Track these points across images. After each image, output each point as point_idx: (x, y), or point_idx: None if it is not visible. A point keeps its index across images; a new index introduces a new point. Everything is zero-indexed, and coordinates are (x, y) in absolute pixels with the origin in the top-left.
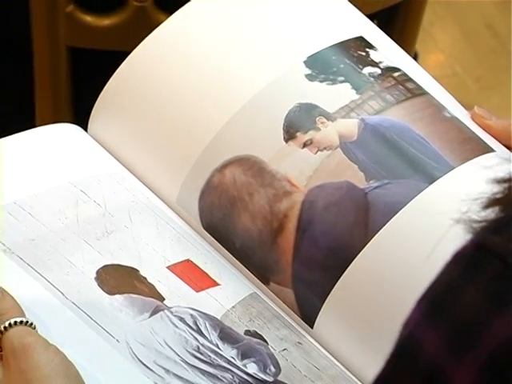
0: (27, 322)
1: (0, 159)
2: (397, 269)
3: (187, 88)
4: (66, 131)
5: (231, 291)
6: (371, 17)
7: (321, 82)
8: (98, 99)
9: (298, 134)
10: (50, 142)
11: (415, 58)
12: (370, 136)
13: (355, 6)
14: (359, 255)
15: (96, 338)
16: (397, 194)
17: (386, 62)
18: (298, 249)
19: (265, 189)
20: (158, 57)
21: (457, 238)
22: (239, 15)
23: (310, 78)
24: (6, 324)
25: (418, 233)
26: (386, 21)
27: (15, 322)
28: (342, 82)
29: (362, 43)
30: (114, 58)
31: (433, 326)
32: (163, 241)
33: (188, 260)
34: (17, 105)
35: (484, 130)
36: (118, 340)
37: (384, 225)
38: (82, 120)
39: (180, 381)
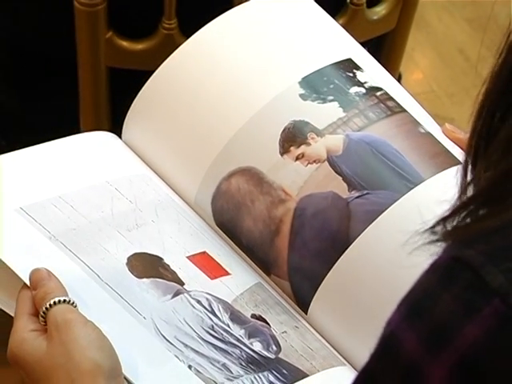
0: (69, 300)
1: (48, 159)
2: (374, 270)
3: (200, 105)
4: (104, 138)
5: (240, 280)
6: (363, 44)
7: (313, 101)
8: (129, 111)
9: (292, 148)
10: (91, 146)
11: (399, 77)
12: (354, 150)
13: (353, 33)
14: (342, 257)
15: (126, 315)
16: (375, 204)
17: (371, 82)
18: (292, 249)
19: (264, 196)
20: (177, 76)
21: (426, 243)
22: (244, 40)
23: (303, 97)
24: (52, 302)
25: (392, 238)
26: (376, 47)
27: (59, 301)
28: (331, 101)
29: (350, 65)
30: (145, 77)
31: (411, 328)
32: (184, 234)
33: (204, 252)
34: (63, 116)
35: (454, 142)
36: (144, 317)
37: (363, 231)
38: (119, 129)
39: (196, 354)
